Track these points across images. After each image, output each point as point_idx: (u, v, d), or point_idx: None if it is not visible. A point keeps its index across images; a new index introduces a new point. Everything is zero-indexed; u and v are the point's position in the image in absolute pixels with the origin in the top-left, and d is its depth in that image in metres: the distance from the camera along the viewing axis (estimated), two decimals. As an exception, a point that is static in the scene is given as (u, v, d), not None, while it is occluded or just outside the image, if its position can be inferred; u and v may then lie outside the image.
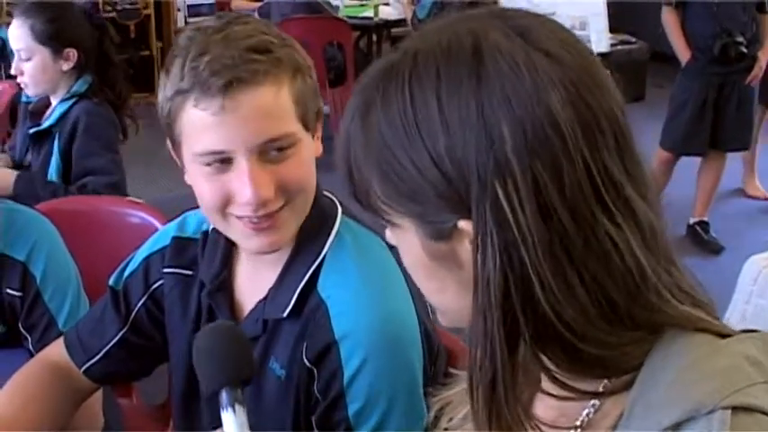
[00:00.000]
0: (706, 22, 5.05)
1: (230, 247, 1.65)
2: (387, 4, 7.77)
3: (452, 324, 1.06)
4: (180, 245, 1.74)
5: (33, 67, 3.22)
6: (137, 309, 1.78)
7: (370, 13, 7.56)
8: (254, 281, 1.63)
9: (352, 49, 7.14)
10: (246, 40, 1.42)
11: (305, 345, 1.52)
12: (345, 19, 7.17)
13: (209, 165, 1.46)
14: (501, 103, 0.90)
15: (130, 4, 8.79)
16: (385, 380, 1.48)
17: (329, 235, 1.58)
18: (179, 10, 9.57)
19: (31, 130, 3.31)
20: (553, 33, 0.95)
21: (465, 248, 0.94)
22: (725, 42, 5.01)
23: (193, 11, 9.52)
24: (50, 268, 2.08)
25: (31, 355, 2.03)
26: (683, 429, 0.88)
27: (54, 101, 3.32)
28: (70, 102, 3.25)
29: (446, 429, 1.17)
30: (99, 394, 1.98)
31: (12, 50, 5.24)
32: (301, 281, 1.55)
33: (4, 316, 2.09)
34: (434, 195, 0.93)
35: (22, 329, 2.09)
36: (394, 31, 7.81)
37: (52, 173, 3.22)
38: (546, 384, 1.01)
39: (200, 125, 1.42)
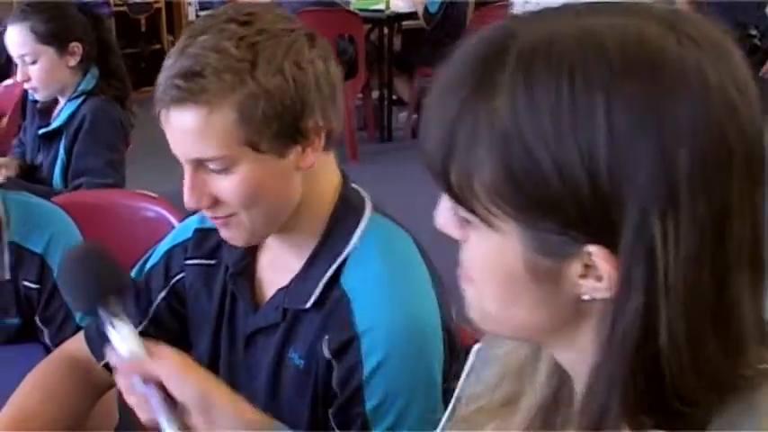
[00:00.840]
0: (720, 16, 5.04)
1: None
2: (398, -3, 7.76)
3: (489, 328, 1.00)
4: (202, 236, 1.75)
5: (41, 70, 3.20)
6: (157, 302, 1.79)
7: (381, 6, 7.55)
8: (276, 269, 1.63)
9: (364, 42, 7.14)
10: (185, 61, 1.43)
11: (326, 337, 1.52)
12: (357, 12, 7.16)
13: None
14: (686, 127, 0.79)
15: (141, -3, 8.82)
16: (404, 377, 1.48)
17: (356, 229, 1.57)
18: (190, 3, 9.61)
19: (41, 131, 3.30)
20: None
21: (574, 270, 0.86)
22: (738, 36, 4.99)
23: (204, 4, 9.54)
24: None
25: (47, 349, 2.03)
26: None
27: (62, 98, 3.31)
28: (79, 100, 3.25)
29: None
30: (114, 390, 1.98)
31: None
32: (326, 273, 1.55)
33: (20, 308, 2.09)
34: (571, 208, 0.81)
35: (38, 322, 2.09)
36: (405, 23, 7.79)
37: (57, 172, 3.22)
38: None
39: None
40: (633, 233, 0.80)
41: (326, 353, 1.52)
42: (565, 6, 0.87)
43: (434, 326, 1.51)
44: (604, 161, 0.79)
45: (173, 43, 7.27)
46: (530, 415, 1.02)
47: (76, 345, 1.84)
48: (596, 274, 0.84)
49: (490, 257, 0.90)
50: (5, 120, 4.49)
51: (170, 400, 1.30)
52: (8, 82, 4.91)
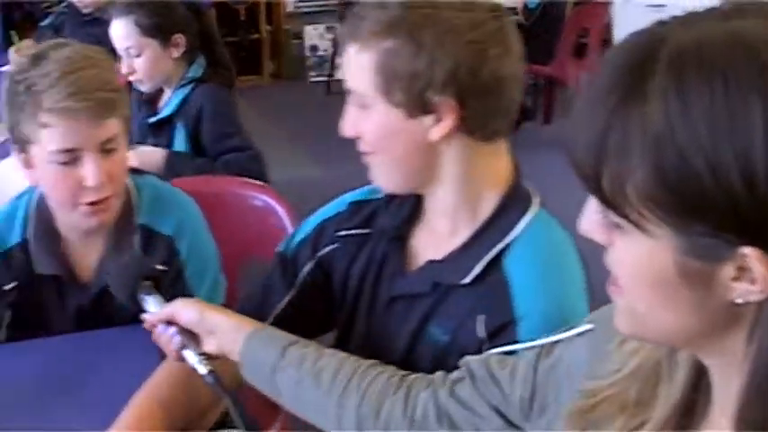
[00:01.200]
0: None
1: (417, 205, 1.70)
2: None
3: (638, 333, 1.00)
4: (356, 208, 1.79)
5: (145, 62, 3.24)
6: (303, 274, 1.81)
7: (480, 1, 7.52)
8: (431, 241, 1.67)
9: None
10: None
11: (482, 317, 1.55)
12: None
13: None
14: None
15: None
16: None
17: (523, 217, 1.60)
18: (289, -7, 9.68)
19: (151, 120, 3.35)
20: None
21: (726, 273, 0.86)
22: None
23: (304, -6, 9.64)
24: (195, 245, 2.12)
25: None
26: None
27: (167, 88, 3.36)
28: (187, 88, 3.30)
29: None
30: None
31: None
32: (488, 252, 1.58)
33: None
34: (727, 210, 0.82)
35: None
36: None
37: None
38: None
39: None
40: None
41: (480, 332, 1.55)
42: (712, 9, 0.88)
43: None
44: (762, 162, 0.80)
45: (271, 33, 7.37)
46: (665, 415, 1.01)
47: None
48: (750, 276, 0.84)
49: (640, 261, 0.91)
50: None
51: (188, 334, 1.60)
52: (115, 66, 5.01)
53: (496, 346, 1.51)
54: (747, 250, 0.83)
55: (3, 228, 2.13)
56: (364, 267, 1.75)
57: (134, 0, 3.25)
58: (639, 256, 0.90)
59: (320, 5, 9.65)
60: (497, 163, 1.64)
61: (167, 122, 3.31)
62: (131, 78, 3.30)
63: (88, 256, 2.13)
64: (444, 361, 1.58)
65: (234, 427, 2.09)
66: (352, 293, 1.77)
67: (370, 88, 1.54)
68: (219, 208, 2.55)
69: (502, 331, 1.53)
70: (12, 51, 4.91)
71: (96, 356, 2.01)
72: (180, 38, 3.27)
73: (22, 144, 1.98)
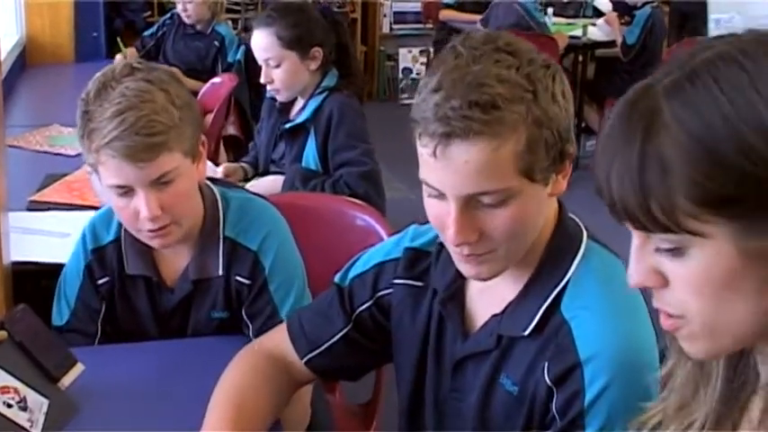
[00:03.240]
0: None
1: None
2: (593, 25, 7.68)
3: (713, 347, 1.07)
4: (413, 256, 1.77)
5: (284, 72, 3.33)
6: (360, 310, 1.81)
7: (578, 32, 7.50)
8: (488, 294, 1.64)
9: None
10: (470, 91, 1.42)
11: (545, 364, 1.52)
12: (554, 36, 7.12)
13: None
14: None
15: (338, 7, 8.96)
16: (624, 405, 1.46)
17: (575, 256, 1.58)
18: (385, 15, 9.72)
19: (287, 126, 3.44)
20: None
21: None
22: None
23: (399, 17, 9.66)
24: (279, 260, 2.13)
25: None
26: None
27: (301, 99, 3.44)
28: (322, 96, 3.38)
29: None
30: (309, 387, 2.03)
31: (228, 44, 5.47)
32: (545, 300, 1.55)
33: (229, 302, 2.15)
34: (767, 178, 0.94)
35: (244, 316, 2.15)
36: (599, 52, 7.70)
37: (309, 167, 3.35)
38: None
39: None
40: None
41: (547, 380, 1.52)
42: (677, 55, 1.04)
43: (653, 353, 1.50)
44: None
45: (365, 54, 7.43)
46: (708, 411, 1.11)
47: (275, 340, 1.89)
48: None
49: (707, 266, 1.00)
50: (211, 116, 4.64)
51: None
52: (216, 80, 5.08)
53: (564, 392, 1.50)
54: None
55: (100, 226, 2.22)
56: (424, 327, 1.73)
57: (277, 12, 3.33)
58: (705, 264, 1.00)
59: (415, 29, 9.69)
60: (550, 201, 1.59)
61: (301, 129, 3.40)
62: (269, 87, 3.41)
63: (175, 263, 2.17)
64: (517, 411, 1.57)
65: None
66: (414, 355, 1.75)
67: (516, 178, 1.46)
68: (320, 224, 2.57)
69: (568, 377, 1.50)
70: (118, 58, 5.00)
71: (183, 363, 2.05)
72: (318, 51, 3.35)
73: (91, 167, 2.01)
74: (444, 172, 1.44)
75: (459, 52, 1.46)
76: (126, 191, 1.95)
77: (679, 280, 1.03)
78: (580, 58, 7.58)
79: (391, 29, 9.78)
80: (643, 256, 1.05)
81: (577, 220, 1.64)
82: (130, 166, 1.90)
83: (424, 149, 1.45)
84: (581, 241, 1.60)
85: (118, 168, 1.91)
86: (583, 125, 7.46)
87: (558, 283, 1.56)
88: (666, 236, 1.00)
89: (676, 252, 1.01)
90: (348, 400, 2.79)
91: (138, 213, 1.96)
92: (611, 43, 7.37)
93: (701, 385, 1.14)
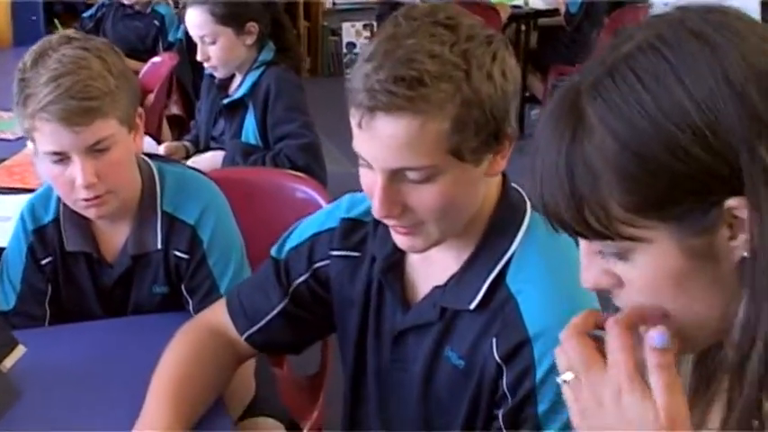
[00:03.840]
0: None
1: None
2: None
3: (684, 345, 1.02)
4: (349, 227, 1.75)
5: (220, 49, 3.34)
6: (297, 283, 1.81)
7: (520, 2, 7.51)
8: (430, 266, 1.63)
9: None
10: (398, 66, 1.39)
11: (494, 340, 1.52)
12: (496, 6, 7.13)
13: None
14: (741, 65, 0.91)
15: (280, -18, 8.90)
16: None
17: (519, 229, 1.56)
18: (327, -9, 9.70)
19: (225, 101, 3.45)
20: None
21: (722, 237, 0.93)
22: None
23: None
24: (218, 233, 2.13)
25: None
26: None
27: (239, 74, 3.45)
28: (259, 70, 3.39)
29: None
30: (251, 362, 2.03)
31: (168, 23, 5.43)
32: (490, 273, 1.54)
33: (169, 277, 2.15)
34: (698, 176, 0.90)
35: (184, 291, 2.15)
36: (542, 21, 7.72)
37: (249, 141, 3.36)
38: None
39: None
40: (750, 169, 0.89)
41: (496, 356, 1.51)
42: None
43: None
44: (701, 122, 0.89)
45: (309, 29, 7.37)
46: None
47: (216, 315, 1.88)
48: (742, 228, 0.92)
49: (653, 270, 0.97)
50: (152, 96, 4.62)
51: None
52: (156, 60, 5.05)
53: (514, 369, 1.50)
54: (731, 202, 0.91)
55: (39, 206, 2.20)
56: (363, 297, 1.72)
57: None
58: (651, 268, 0.97)
59: (358, 3, 9.66)
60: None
61: (239, 105, 3.41)
62: (206, 65, 3.42)
63: (114, 238, 2.17)
64: (463, 386, 1.57)
65: (265, 415, 2.11)
66: (354, 325, 1.74)
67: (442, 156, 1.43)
68: (260, 198, 2.56)
69: (517, 353, 1.49)
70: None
71: (126, 342, 2.05)
72: (253, 26, 3.36)
73: (28, 136, 2.00)
74: (370, 144, 1.42)
75: (399, 23, 1.43)
76: (61, 158, 1.94)
77: (631, 282, 1.01)
78: (523, 28, 7.58)
79: (334, 3, 9.75)
80: (592, 259, 1.03)
81: (521, 191, 1.62)
82: (66, 130, 1.89)
83: (352, 119, 1.43)
84: (525, 213, 1.58)
85: (53, 133, 1.90)
86: (527, 94, 7.48)
87: (503, 256, 1.55)
88: (607, 242, 0.99)
89: (622, 256, 0.99)
90: (296, 372, 2.79)
91: (74, 182, 1.95)
92: (554, 12, 7.39)
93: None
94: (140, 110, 2.11)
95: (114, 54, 2.02)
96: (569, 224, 0.99)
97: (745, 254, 0.92)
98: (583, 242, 1.03)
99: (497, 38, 1.47)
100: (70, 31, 2.06)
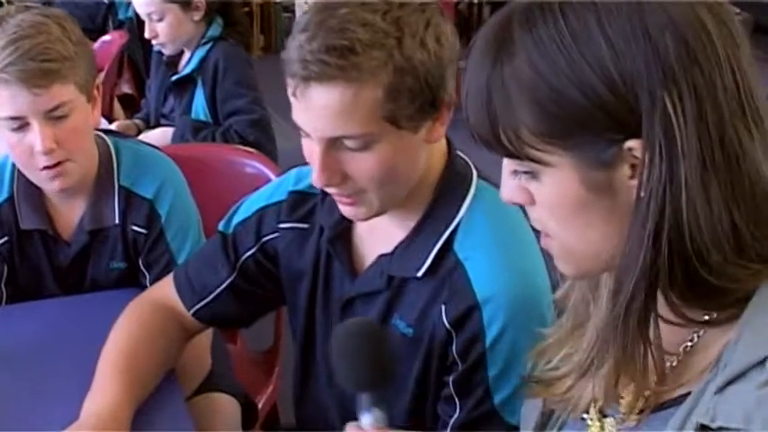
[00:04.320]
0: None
1: None
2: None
3: (576, 268, 1.10)
4: (297, 199, 1.76)
5: (168, 25, 3.32)
6: (245, 257, 1.81)
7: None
8: (377, 234, 1.63)
9: (453, 13, 7.11)
10: (331, 35, 1.39)
11: (443, 307, 1.53)
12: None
13: None
14: (662, 16, 0.95)
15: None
16: (525, 342, 1.46)
17: (466, 196, 1.57)
18: (280, -33, 9.62)
19: (173, 78, 3.44)
20: None
21: (623, 174, 0.98)
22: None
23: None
24: (175, 208, 2.13)
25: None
26: None
27: (187, 50, 3.43)
28: (207, 46, 3.38)
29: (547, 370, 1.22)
30: (208, 338, 2.04)
31: (118, 1, 5.38)
32: (437, 241, 1.55)
33: (127, 252, 2.15)
34: (602, 116, 0.96)
35: (141, 266, 2.15)
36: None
37: (199, 118, 3.35)
38: (661, 309, 1.02)
39: None
40: (650, 114, 0.94)
41: (445, 322, 1.53)
42: None
43: (546, 287, 1.52)
44: (613, 66, 0.95)
45: (262, 6, 7.30)
46: (597, 330, 1.10)
47: (164, 290, 1.89)
48: (641, 169, 0.96)
49: (555, 193, 1.03)
50: (102, 75, 4.57)
51: None
52: (106, 38, 5.00)
53: (463, 335, 1.51)
54: (630, 143, 0.96)
55: None
56: (312, 267, 1.73)
57: None
58: (555, 190, 1.03)
59: (311, -21, 9.60)
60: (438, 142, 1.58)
61: (188, 81, 3.40)
62: (154, 42, 3.40)
63: (70, 214, 2.16)
64: (413, 353, 1.58)
65: (220, 390, 2.11)
66: (304, 297, 1.75)
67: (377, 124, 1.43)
68: (212, 173, 2.56)
69: (467, 319, 1.51)
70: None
71: (82, 319, 2.03)
72: (200, 1, 3.34)
73: None
74: (306, 114, 1.43)
75: None
76: (21, 124, 1.93)
77: (541, 201, 1.06)
78: (475, 1, 7.59)
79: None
80: (510, 176, 1.08)
81: (467, 159, 1.64)
82: (25, 92, 1.88)
83: (289, 90, 1.44)
84: (471, 181, 1.60)
85: (12, 97, 1.89)
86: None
87: (450, 224, 1.56)
88: (517, 161, 1.04)
89: (533, 176, 1.04)
90: (250, 347, 2.80)
91: (32, 149, 1.94)
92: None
93: (593, 303, 1.16)
94: (98, 82, 2.10)
95: (72, 23, 2.01)
96: (486, 140, 1.04)
97: (642, 194, 0.96)
98: (504, 160, 1.08)
99: (431, 5, 1.47)
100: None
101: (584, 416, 1.15)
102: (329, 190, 1.52)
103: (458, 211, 1.56)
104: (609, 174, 0.99)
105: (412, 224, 1.58)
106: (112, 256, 2.16)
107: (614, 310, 1.01)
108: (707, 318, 1.02)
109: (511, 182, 1.08)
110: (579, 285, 1.19)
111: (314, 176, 1.47)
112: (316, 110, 1.41)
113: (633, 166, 0.98)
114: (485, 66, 1.02)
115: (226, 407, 2.13)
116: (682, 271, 0.97)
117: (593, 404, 1.14)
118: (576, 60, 0.96)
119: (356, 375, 1.36)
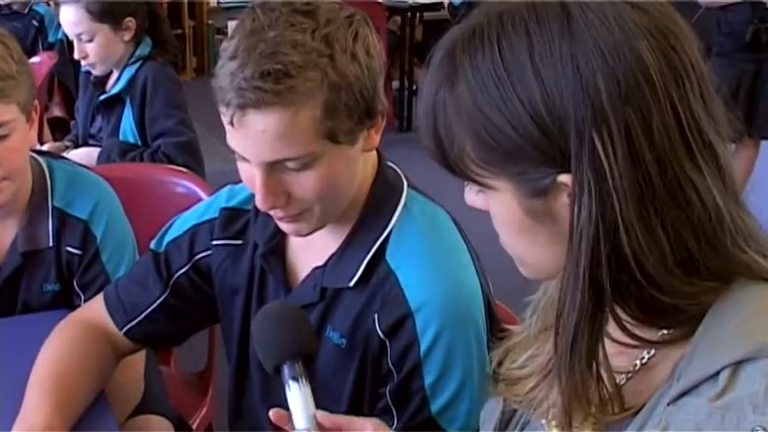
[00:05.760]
0: (740, 9, 5.03)
1: None
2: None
3: (533, 275, 1.12)
4: (230, 216, 1.75)
5: (98, 46, 3.29)
6: (178, 275, 1.80)
7: (403, -4, 7.56)
8: (310, 248, 1.64)
9: (385, 32, 7.13)
10: (263, 60, 1.39)
11: (376, 316, 1.54)
12: (380, 0, 7.16)
13: None
14: (594, 56, 0.94)
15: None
16: (460, 349, 1.50)
17: (397, 206, 1.59)
18: (212, -11, 9.62)
19: (101, 97, 3.39)
20: None
21: (561, 203, 0.99)
22: (757, 28, 4.98)
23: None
24: (111, 229, 2.12)
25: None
26: (743, 369, 0.92)
27: (115, 68, 3.40)
28: (136, 65, 3.35)
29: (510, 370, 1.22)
30: (142, 360, 2.02)
31: (48, 23, 5.32)
32: (369, 250, 1.56)
33: (60, 274, 2.12)
34: (534, 152, 0.97)
35: (76, 287, 2.12)
36: (427, 15, 7.78)
37: (128, 138, 3.31)
38: (610, 329, 1.03)
39: None
40: (579, 153, 0.94)
41: (379, 332, 1.53)
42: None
43: (478, 294, 1.54)
44: (542, 105, 0.95)
45: (194, 28, 7.28)
46: (549, 360, 1.10)
47: (94, 310, 1.87)
48: (572, 206, 0.97)
49: (501, 213, 1.06)
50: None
51: None
52: (35, 60, 4.95)
53: (398, 343, 1.52)
54: (564, 177, 0.97)
55: None
56: (246, 283, 1.72)
57: None
58: (499, 210, 1.05)
59: (243, 1, 9.59)
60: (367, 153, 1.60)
61: (116, 101, 3.36)
62: (84, 63, 3.36)
63: (2, 237, 2.13)
64: (346, 364, 1.58)
65: (154, 413, 2.09)
66: (239, 313, 1.74)
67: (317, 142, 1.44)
68: (142, 194, 2.55)
69: (400, 328, 1.51)
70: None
71: (12, 341, 1.98)
72: (131, 21, 3.32)
73: None
74: (244, 140, 1.43)
75: (257, 15, 1.43)
76: None
77: (490, 213, 1.08)
78: (408, 21, 7.63)
79: (219, 2, 9.67)
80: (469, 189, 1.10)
81: (398, 170, 1.65)
82: None
83: (224, 118, 1.43)
84: (402, 191, 1.61)
85: None
86: (414, 87, 7.52)
87: (381, 233, 1.57)
88: (466, 181, 1.07)
89: (482, 191, 1.06)
90: (183, 369, 2.78)
91: None
92: (439, 5, 7.45)
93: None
94: (36, 103, 2.08)
95: (14, 42, 2.00)
96: (437, 161, 1.07)
97: (575, 231, 0.97)
98: None
99: (356, 16, 1.48)
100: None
101: (543, 422, 1.16)
102: (273, 213, 1.52)
103: (389, 221, 1.57)
104: (547, 202, 1.00)
105: (344, 235, 1.59)
106: (46, 278, 2.13)
107: (557, 350, 1.02)
108: (661, 335, 1.03)
109: (470, 188, 1.10)
110: (553, 288, 1.17)
111: (258, 201, 1.47)
112: (254, 136, 1.41)
113: (570, 195, 0.98)
114: (431, 89, 1.04)
115: (159, 429, 2.10)
116: (634, 296, 0.99)
117: (551, 408, 1.15)
118: (509, 95, 0.97)
119: (276, 344, 1.36)
